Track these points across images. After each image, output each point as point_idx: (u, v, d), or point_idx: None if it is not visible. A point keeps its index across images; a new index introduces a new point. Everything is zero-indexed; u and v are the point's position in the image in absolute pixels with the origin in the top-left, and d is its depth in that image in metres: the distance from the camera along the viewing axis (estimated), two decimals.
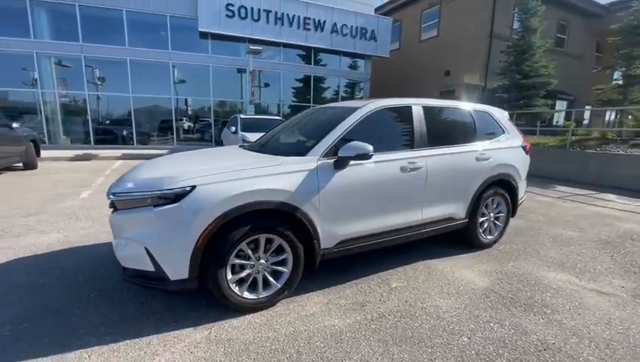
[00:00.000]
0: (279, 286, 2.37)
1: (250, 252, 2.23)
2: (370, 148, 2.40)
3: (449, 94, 16.32)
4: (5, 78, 11.33)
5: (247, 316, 2.25)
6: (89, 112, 12.19)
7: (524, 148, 3.78)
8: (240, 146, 3.32)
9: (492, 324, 2.19)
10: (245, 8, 12.73)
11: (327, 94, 16.48)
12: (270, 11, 13.16)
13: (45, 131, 11.88)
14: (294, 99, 15.71)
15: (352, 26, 14.87)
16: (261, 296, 2.32)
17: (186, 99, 14.10)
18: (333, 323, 2.18)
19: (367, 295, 2.56)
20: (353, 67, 16.53)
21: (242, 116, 9.12)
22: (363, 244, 2.70)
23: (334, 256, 2.61)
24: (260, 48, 11.25)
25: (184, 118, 14.52)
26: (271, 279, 2.35)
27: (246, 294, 2.27)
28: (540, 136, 11.30)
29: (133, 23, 11.97)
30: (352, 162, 2.51)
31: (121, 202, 2.15)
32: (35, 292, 2.48)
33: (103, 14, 11.60)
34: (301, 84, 15.67)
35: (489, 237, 3.59)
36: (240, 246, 2.18)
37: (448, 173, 3.06)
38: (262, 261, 2.30)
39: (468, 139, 3.35)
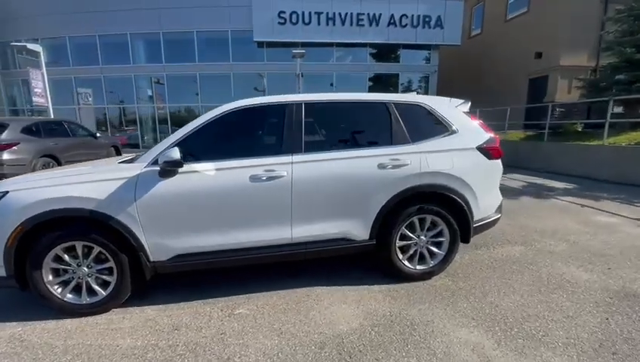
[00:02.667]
0: (105, 294, 2.34)
1: (67, 257, 2.27)
2: (176, 155, 2.15)
3: (541, 82, 13.30)
4: (118, 95, 14.53)
5: (66, 320, 2.29)
6: (169, 121, 14.57)
7: (484, 150, 2.76)
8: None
9: None
10: (297, 14, 13.06)
11: (388, 92, 15.50)
12: (321, 13, 13.16)
13: (140, 137, 14.75)
14: None
15: (412, 15, 13.62)
16: (84, 302, 2.33)
17: None
18: (118, 344, 2.02)
19: (195, 318, 2.29)
20: (417, 60, 15.12)
21: None
22: (211, 260, 2.43)
23: (174, 270, 2.42)
24: (303, 51, 11.37)
25: None
26: (95, 287, 2.33)
27: (69, 297, 2.32)
28: None
29: (202, 42, 13.73)
30: (182, 170, 2.29)
31: None
32: None
33: (179, 38, 13.67)
34: (360, 84, 15.18)
35: (420, 267, 2.76)
36: (55, 250, 2.24)
37: (330, 184, 2.48)
38: (84, 268, 2.31)
39: (375, 140, 2.65)
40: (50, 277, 2.27)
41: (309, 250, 2.55)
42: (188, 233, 2.36)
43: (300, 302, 2.46)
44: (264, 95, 14.57)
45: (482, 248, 3.45)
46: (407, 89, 15.78)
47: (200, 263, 2.43)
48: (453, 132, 2.76)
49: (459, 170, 2.66)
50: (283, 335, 2.08)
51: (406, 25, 13.68)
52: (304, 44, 13.33)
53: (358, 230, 2.58)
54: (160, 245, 2.33)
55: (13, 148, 6.62)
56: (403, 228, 2.66)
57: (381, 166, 2.53)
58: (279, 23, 13.00)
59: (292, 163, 2.43)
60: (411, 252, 2.74)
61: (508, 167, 9.66)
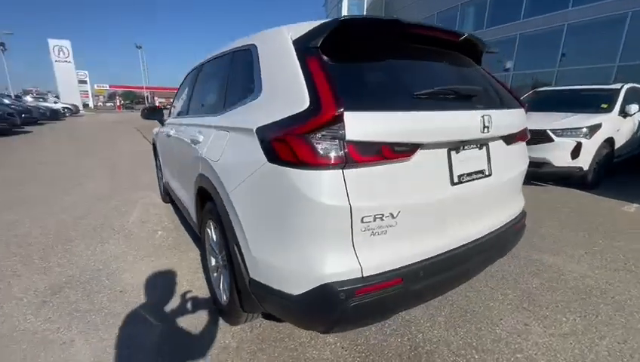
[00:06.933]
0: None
1: None
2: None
3: None
4: None
5: None
6: None
7: (267, 138, 1.16)
8: None
9: None
10: None
11: None
12: None
13: None
14: None
15: None
16: None
17: None
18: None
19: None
20: None
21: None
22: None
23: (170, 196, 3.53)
24: None
25: None
26: None
27: None
28: None
29: None
30: (167, 122, 3.25)
31: None
32: None
33: None
34: None
35: (218, 291, 1.87)
36: None
37: (177, 151, 2.39)
38: None
39: (217, 104, 1.96)
40: None
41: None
42: (165, 168, 3.37)
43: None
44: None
45: None
46: None
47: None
48: (256, 95, 1.38)
49: (223, 166, 1.42)
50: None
51: None
52: None
53: (192, 209, 2.26)
54: (163, 170, 3.55)
55: None
56: (209, 230, 1.92)
57: (193, 140, 1.96)
58: None
59: (180, 125, 2.56)
60: (213, 265, 1.93)
61: None
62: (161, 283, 2.20)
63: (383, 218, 1.11)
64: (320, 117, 1.04)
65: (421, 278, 1.22)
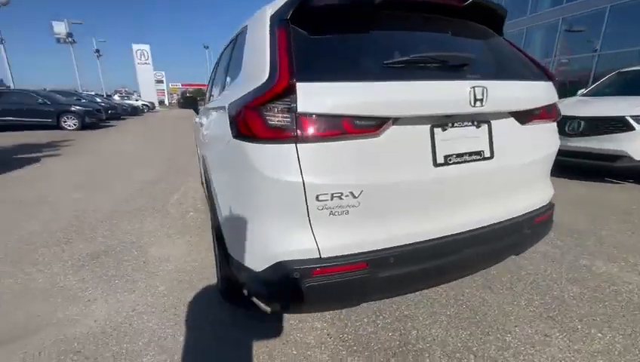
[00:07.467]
0: None
1: None
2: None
3: None
4: None
5: None
6: None
7: (233, 114, 1.16)
8: None
9: None
10: None
11: None
12: None
13: None
14: None
15: None
16: None
17: None
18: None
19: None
20: None
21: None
22: None
23: None
24: None
25: None
26: None
27: None
28: None
29: None
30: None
31: None
32: None
33: None
34: None
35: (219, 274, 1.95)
36: None
37: (196, 137, 2.49)
38: None
39: (220, 88, 2.02)
40: None
41: None
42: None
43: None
44: None
45: None
46: None
47: None
48: (239, 74, 1.40)
49: (207, 145, 1.48)
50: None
51: None
52: None
53: (205, 191, 2.38)
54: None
55: None
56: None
57: (201, 124, 2.07)
58: None
59: (203, 112, 2.72)
60: None
61: None
62: (177, 258, 2.37)
63: (342, 197, 1.04)
64: (272, 89, 1.01)
65: (392, 266, 1.12)
